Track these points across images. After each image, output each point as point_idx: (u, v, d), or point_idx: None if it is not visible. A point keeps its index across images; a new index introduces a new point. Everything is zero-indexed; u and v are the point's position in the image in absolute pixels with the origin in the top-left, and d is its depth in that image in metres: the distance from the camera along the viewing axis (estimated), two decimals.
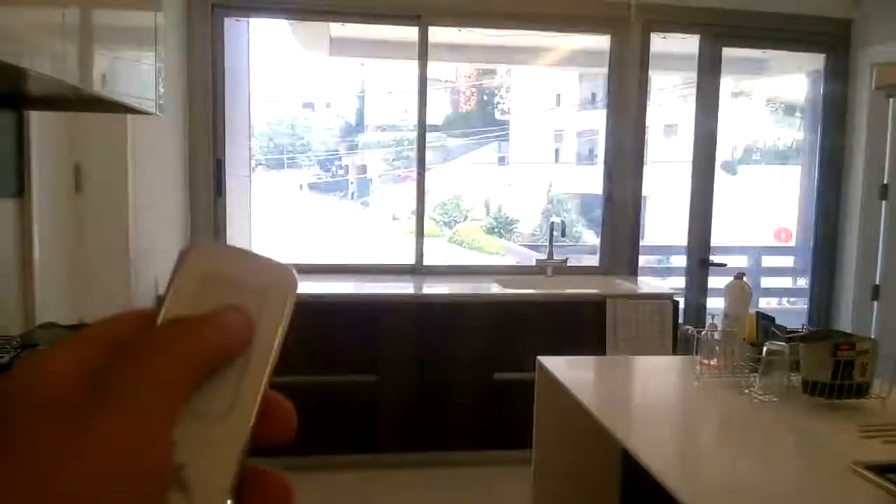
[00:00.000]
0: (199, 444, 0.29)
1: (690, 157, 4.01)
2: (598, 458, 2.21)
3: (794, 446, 1.66)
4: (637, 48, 3.89)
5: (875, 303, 4.00)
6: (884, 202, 3.96)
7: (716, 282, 4.05)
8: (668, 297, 3.45)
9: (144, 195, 2.90)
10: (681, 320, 3.58)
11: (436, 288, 3.59)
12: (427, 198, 3.88)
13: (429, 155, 3.89)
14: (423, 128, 3.81)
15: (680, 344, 3.53)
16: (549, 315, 3.37)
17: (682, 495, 1.32)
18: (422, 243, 3.86)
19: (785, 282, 5.24)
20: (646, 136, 3.97)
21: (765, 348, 1.78)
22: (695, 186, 4.02)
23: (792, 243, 4.61)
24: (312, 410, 3.20)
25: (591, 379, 2.20)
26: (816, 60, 4.12)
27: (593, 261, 4.02)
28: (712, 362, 1.97)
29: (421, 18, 3.76)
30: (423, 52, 3.78)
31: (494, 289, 3.51)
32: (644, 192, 4.00)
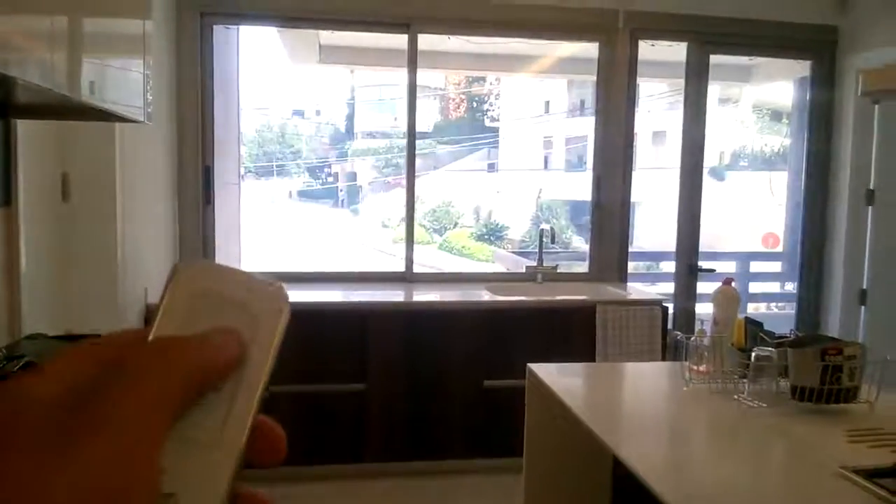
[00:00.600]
0: (189, 472, 0.28)
1: (678, 164, 4.03)
2: (588, 465, 2.21)
3: (783, 451, 1.67)
4: (625, 55, 3.92)
5: (862, 307, 4.03)
6: (870, 207, 4.00)
7: (705, 287, 4.07)
8: (658, 303, 3.46)
9: (132, 204, 2.89)
10: (670, 326, 3.60)
11: (425, 295, 3.59)
12: (417, 205, 3.88)
13: (419, 162, 3.89)
14: (412, 135, 3.82)
15: (669, 349, 3.55)
16: (540, 322, 3.37)
17: (671, 501, 1.32)
18: (411, 251, 3.86)
19: (773, 287, 5.28)
20: (634, 143, 3.99)
21: (753, 354, 1.79)
22: (683, 192, 4.04)
23: (780, 248, 4.65)
24: (301, 420, 3.19)
25: (581, 386, 2.20)
26: (803, 67, 4.16)
27: (583, 267, 4.03)
28: (701, 368, 1.97)
29: (410, 26, 3.77)
30: (412, 59, 3.79)
31: (484, 296, 3.51)
32: (633, 199, 4.02)
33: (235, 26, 3.71)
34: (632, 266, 4.04)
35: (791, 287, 4.33)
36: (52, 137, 2.55)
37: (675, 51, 4.01)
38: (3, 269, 2.15)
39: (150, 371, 0.28)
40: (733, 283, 2.08)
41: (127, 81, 1.76)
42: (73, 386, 0.27)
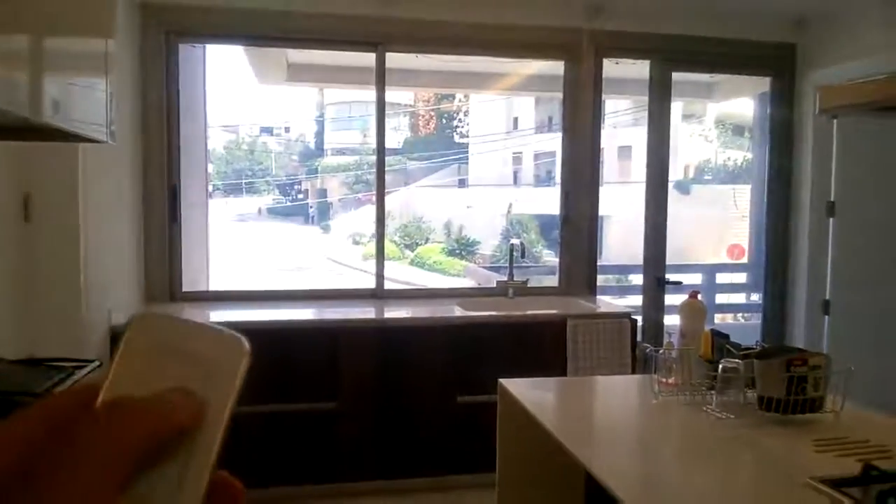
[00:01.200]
0: None
1: (644, 178, 4.09)
2: (561, 479, 2.22)
3: (752, 462, 1.69)
4: (590, 73, 3.97)
5: (826, 317, 4.11)
6: (831, 219, 4.09)
7: (672, 299, 4.12)
8: (626, 316, 3.49)
9: (97, 225, 2.84)
10: (639, 338, 3.63)
11: (397, 312, 3.58)
12: (388, 221, 3.87)
13: (389, 178, 3.89)
14: (381, 152, 3.82)
15: (639, 362, 3.58)
16: (512, 336, 3.38)
17: None
18: (382, 267, 3.85)
19: (739, 298, 5.37)
20: (601, 158, 4.04)
21: (720, 366, 1.81)
22: (649, 206, 4.10)
23: (745, 260, 4.73)
24: (270, 440, 3.15)
25: (552, 400, 2.21)
26: (763, 83, 4.26)
27: (553, 281, 4.05)
28: (670, 380, 1.99)
29: (379, 45, 3.78)
30: (380, 77, 3.80)
31: (456, 311, 3.51)
32: (601, 213, 4.06)
33: (201, 45, 3.68)
34: (601, 279, 4.07)
35: (756, 298, 4.40)
36: (13, 158, 2.50)
37: (639, 69, 4.08)
38: None
39: (99, 440, 0.27)
40: (699, 296, 2.11)
41: (90, 101, 1.74)
42: (23, 448, 0.27)
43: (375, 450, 3.30)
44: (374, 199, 3.82)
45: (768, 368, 1.74)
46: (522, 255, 3.82)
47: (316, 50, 3.73)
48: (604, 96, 4.02)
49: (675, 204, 4.17)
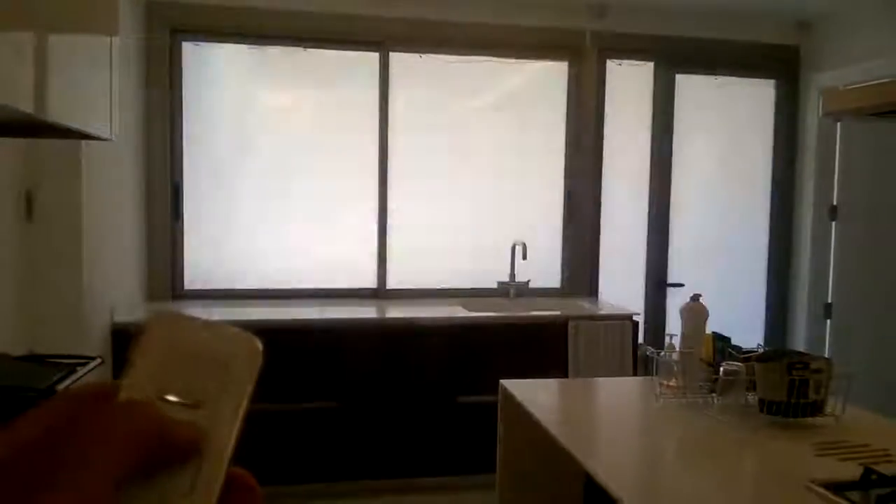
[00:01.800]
0: None
1: (648, 179, 4.09)
2: (561, 480, 2.21)
3: (753, 465, 1.68)
4: (593, 75, 3.97)
5: (828, 321, 4.11)
6: (833, 223, 4.09)
7: (674, 301, 4.12)
8: (628, 318, 3.49)
9: (99, 222, 2.85)
10: (641, 340, 3.63)
11: (398, 311, 3.58)
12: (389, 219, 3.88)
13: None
14: (384, 151, 3.82)
15: (640, 363, 3.58)
16: (513, 337, 3.38)
17: None
18: (384, 266, 3.85)
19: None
20: (603, 159, 4.04)
21: (721, 369, 1.81)
22: (652, 208, 4.10)
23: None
24: (272, 439, 3.15)
25: (553, 402, 2.21)
26: (767, 86, 4.25)
27: (555, 282, 4.05)
28: (671, 383, 1.99)
29: (382, 45, 3.79)
30: (384, 77, 3.80)
31: (458, 312, 3.51)
32: (603, 215, 4.06)
33: (206, 43, 3.68)
34: (603, 280, 4.07)
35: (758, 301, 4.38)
36: (15, 155, 2.50)
37: (643, 71, 4.07)
38: None
39: (109, 433, 0.28)
40: (701, 299, 2.11)
41: (94, 99, 1.74)
42: (41, 439, 0.28)
43: (376, 449, 3.30)
44: (377, 198, 3.82)
45: (769, 372, 1.74)
46: (524, 257, 3.81)
47: (319, 49, 3.73)
48: (606, 98, 4.01)
49: (678, 207, 4.17)
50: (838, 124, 4.06)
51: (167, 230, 3.65)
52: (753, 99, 4.26)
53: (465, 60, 3.88)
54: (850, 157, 4.04)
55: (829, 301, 4.10)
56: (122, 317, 3.07)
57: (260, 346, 0.32)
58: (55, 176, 2.63)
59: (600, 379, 2.70)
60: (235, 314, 3.30)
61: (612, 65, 4.01)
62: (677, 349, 2.05)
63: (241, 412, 0.31)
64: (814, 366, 1.74)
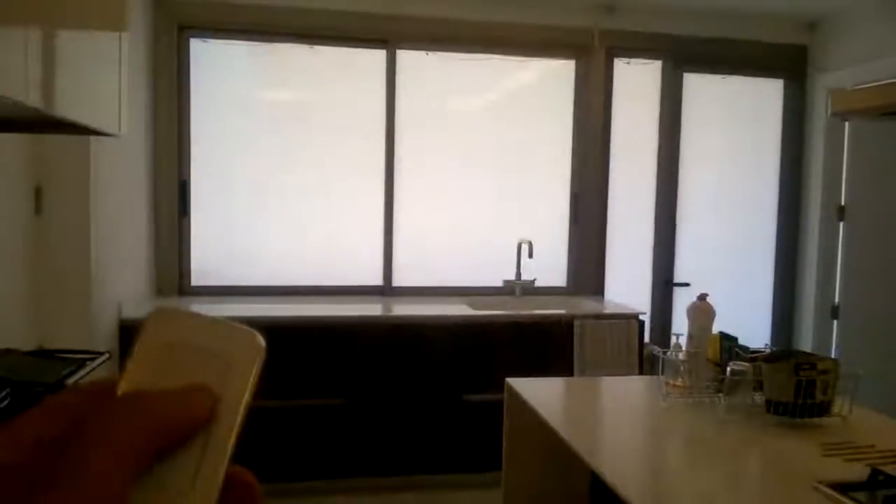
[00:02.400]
0: None
1: (655, 178, 4.08)
2: (567, 479, 2.22)
3: (760, 465, 1.68)
4: (601, 73, 3.96)
5: (835, 321, 4.09)
6: (841, 223, 4.07)
7: (681, 301, 4.11)
8: (634, 317, 3.48)
9: (107, 218, 2.86)
10: (647, 339, 3.62)
11: (404, 309, 3.58)
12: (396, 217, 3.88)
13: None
14: (391, 153, 3.82)
15: (646, 363, 3.58)
16: (519, 335, 3.38)
17: None
18: (390, 264, 3.86)
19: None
20: (610, 158, 4.03)
21: (728, 368, 1.81)
22: (659, 208, 4.09)
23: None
24: (277, 435, 3.16)
25: (560, 401, 2.21)
26: (775, 85, 4.24)
27: (561, 280, 4.04)
28: (678, 382, 1.99)
29: (388, 43, 3.79)
30: (391, 75, 3.80)
31: (463, 310, 3.51)
32: (610, 214, 4.06)
33: (213, 40, 3.69)
34: (608, 279, 4.07)
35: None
36: (25, 150, 2.51)
37: (651, 69, 4.06)
38: None
39: (115, 427, 0.27)
40: (708, 298, 2.11)
41: (103, 94, 1.74)
42: (44, 437, 0.28)
43: (381, 446, 3.31)
44: (383, 195, 3.83)
45: (777, 372, 1.74)
46: (530, 255, 3.81)
47: (325, 47, 3.73)
48: (614, 97, 4.01)
49: (684, 206, 4.16)
50: (846, 124, 4.04)
51: (174, 226, 3.66)
52: (761, 98, 4.24)
53: (472, 58, 3.88)
54: (858, 157, 4.03)
55: (836, 302, 4.09)
56: (130, 313, 3.08)
57: (262, 342, 0.32)
58: (64, 171, 2.64)
59: (606, 378, 2.69)
60: (242, 311, 3.31)
61: (619, 63, 4.00)
62: (684, 349, 2.05)
63: (243, 409, 0.31)
64: (821, 366, 1.74)
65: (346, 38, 3.77)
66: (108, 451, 0.27)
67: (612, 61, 3.98)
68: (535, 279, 3.94)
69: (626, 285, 4.06)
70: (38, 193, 2.59)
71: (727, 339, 1.95)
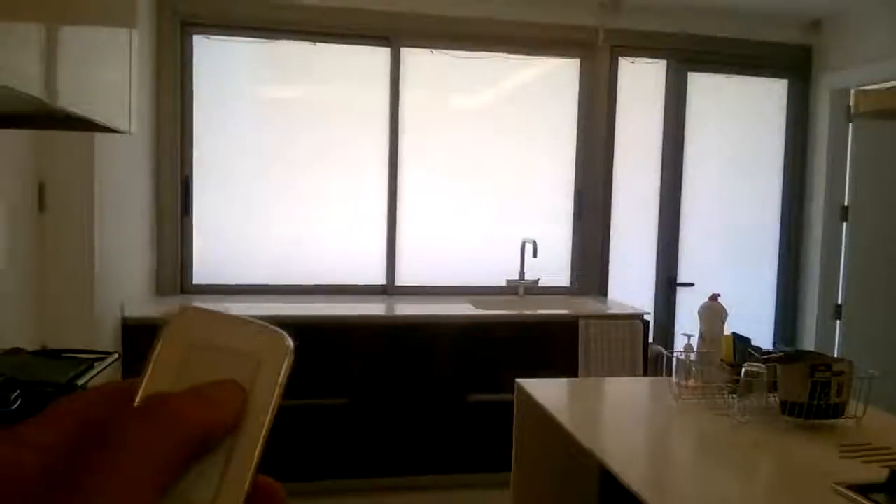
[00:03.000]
0: None
1: (658, 178, 4.07)
2: (577, 480, 2.20)
3: (776, 467, 1.67)
4: (605, 72, 3.95)
5: (837, 322, 4.09)
6: (844, 224, 4.07)
7: (684, 300, 4.10)
8: (639, 317, 3.47)
9: (110, 215, 2.83)
10: (651, 339, 3.61)
11: (408, 309, 3.56)
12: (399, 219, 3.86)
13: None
14: (395, 154, 3.80)
15: (651, 363, 3.57)
16: (523, 336, 3.37)
17: None
18: (393, 263, 3.84)
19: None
20: (614, 157, 4.02)
21: (743, 370, 1.80)
22: (663, 207, 4.08)
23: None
24: (280, 436, 3.13)
25: (571, 401, 2.20)
26: (779, 85, 4.23)
27: (564, 280, 4.03)
28: (689, 383, 1.98)
29: (391, 40, 3.77)
30: (394, 73, 3.78)
31: (467, 310, 3.49)
32: (614, 213, 4.05)
33: (215, 37, 3.67)
34: (612, 279, 4.06)
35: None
36: (28, 146, 2.48)
37: (655, 69, 4.05)
38: None
39: (136, 440, 0.25)
40: (720, 299, 2.10)
41: (112, 91, 1.72)
42: (53, 449, 0.25)
43: (385, 446, 3.29)
44: (386, 194, 3.81)
45: (792, 373, 1.72)
46: (534, 255, 3.80)
47: (328, 44, 3.71)
48: (619, 97, 4.00)
49: (688, 204, 4.15)
50: (850, 124, 4.04)
51: (176, 224, 3.64)
52: (765, 98, 4.24)
53: (476, 56, 3.86)
54: (862, 157, 4.03)
55: (839, 302, 4.08)
56: (132, 312, 3.06)
57: (290, 342, 0.31)
58: (68, 168, 2.61)
59: (617, 378, 2.68)
60: (244, 310, 3.29)
61: (624, 62, 3.99)
62: (695, 349, 2.03)
63: (271, 413, 0.30)
64: (836, 367, 1.73)
65: (350, 36, 3.75)
66: (137, 459, 0.25)
67: (617, 60, 3.97)
68: (538, 279, 3.92)
69: (630, 285, 4.05)
70: (41, 190, 2.56)
71: (740, 340, 1.94)
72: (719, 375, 1.91)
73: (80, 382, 1.60)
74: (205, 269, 3.70)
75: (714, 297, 2.09)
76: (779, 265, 4.25)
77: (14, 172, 2.40)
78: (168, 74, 3.56)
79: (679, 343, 4.01)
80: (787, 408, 1.74)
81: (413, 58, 3.82)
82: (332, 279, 3.78)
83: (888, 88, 2.03)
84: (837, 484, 1.42)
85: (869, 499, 1.36)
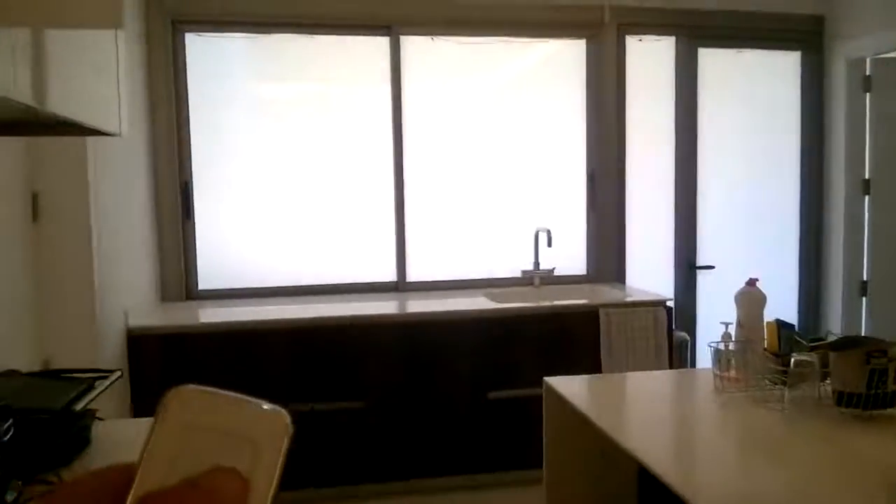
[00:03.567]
0: None
1: (673, 158, 3.94)
2: (613, 479, 2.09)
3: (833, 462, 1.55)
4: (613, 52, 3.81)
5: (863, 299, 3.96)
6: (867, 197, 3.94)
7: (704, 284, 3.98)
8: (662, 304, 3.35)
9: (109, 222, 2.72)
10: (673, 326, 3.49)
11: (421, 305, 3.44)
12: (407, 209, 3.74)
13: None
14: (399, 144, 3.67)
15: (676, 351, 3.45)
16: (542, 328, 3.25)
17: None
18: (403, 258, 3.72)
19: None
20: (626, 139, 3.89)
21: (793, 359, 1.67)
22: (679, 187, 3.95)
23: None
24: (296, 442, 3.02)
25: (603, 398, 2.07)
26: (792, 58, 4.09)
27: (580, 269, 3.91)
28: (731, 374, 1.86)
29: (391, 29, 3.64)
30: (395, 62, 3.65)
31: (482, 303, 3.37)
32: (628, 197, 3.92)
33: (208, 34, 3.54)
34: (629, 265, 3.93)
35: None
36: (19, 154, 2.37)
37: (664, 46, 3.91)
38: None
39: None
40: (758, 283, 1.97)
41: (100, 93, 1.60)
42: None
43: (404, 449, 3.18)
44: (393, 188, 3.68)
45: (846, 361, 1.60)
46: (549, 244, 3.67)
47: (325, 36, 3.58)
48: (628, 76, 3.86)
49: (704, 186, 4.02)
50: (867, 94, 3.90)
51: (178, 230, 3.52)
52: (779, 72, 4.10)
53: (479, 41, 3.73)
54: (882, 128, 3.89)
55: (865, 278, 3.95)
56: (137, 321, 2.95)
57: (289, 419, 0.31)
58: (61, 176, 2.50)
59: (650, 373, 2.56)
60: (252, 314, 3.18)
61: (631, 41, 3.85)
62: (733, 338, 1.91)
63: (273, 491, 0.29)
64: (892, 353, 1.61)
65: (347, 26, 3.62)
66: None
67: (624, 39, 3.83)
68: (553, 268, 3.80)
69: (648, 270, 3.93)
70: (34, 199, 2.45)
71: (785, 328, 1.82)
72: (764, 366, 1.79)
73: (79, 406, 1.48)
74: (211, 274, 3.59)
75: (752, 282, 1.97)
76: (800, 243, 4.12)
77: (5, 182, 2.28)
78: (161, 75, 3.44)
79: (704, 329, 3.90)
80: (845, 399, 1.62)
81: (414, 46, 3.69)
82: (342, 278, 3.67)
83: None
84: None
85: None
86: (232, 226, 3.61)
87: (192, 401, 0.30)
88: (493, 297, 3.47)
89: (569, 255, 3.86)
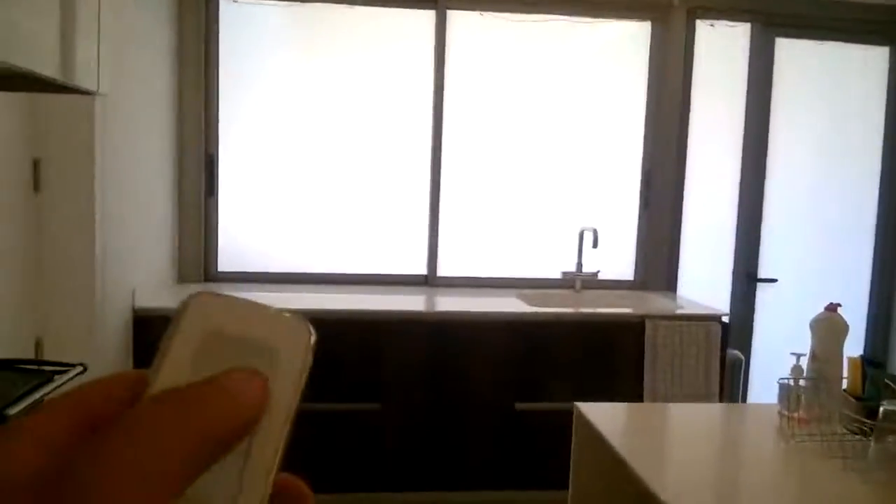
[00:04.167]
0: None
1: (740, 159, 3.58)
2: None
3: None
4: (681, 37, 3.47)
5: None
6: None
7: (764, 299, 3.63)
8: (716, 319, 3.02)
9: (117, 194, 2.53)
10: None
11: (449, 304, 3.19)
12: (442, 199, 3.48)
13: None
14: (439, 127, 3.42)
15: (727, 371, 3.12)
16: (579, 337, 2.96)
17: None
18: (435, 251, 3.47)
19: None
20: (688, 135, 3.55)
21: (882, 408, 1.36)
22: (743, 191, 3.60)
23: None
24: (306, 442, 2.81)
25: (642, 434, 1.78)
26: (880, 53, 3.68)
27: (627, 274, 3.59)
28: (800, 415, 1.55)
29: (438, 2, 3.37)
30: (440, 39, 3.39)
31: (516, 306, 3.09)
32: (686, 198, 3.59)
33: (243, 1, 3.33)
34: (681, 272, 3.60)
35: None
36: (20, 119, 2.19)
37: (737, 33, 3.55)
38: None
39: (149, 434, 0.23)
40: (839, 310, 1.65)
41: (72, 46, 1.39)
42: (51, 453, 0.23)
43: (423, 458, 2.94)
44: (429, 174, 3.43)
45: None
46: (594, 245, 3.37)
47: (369, 7, 3.34)
48: (695, 66, 3.52)
49: (773, 188, 3.65)
50: None
51: (200, 207, 3.34)
52: (864, 68, 3.69)
53: (532, 20, 3.43)
54: None
55: None
56: (146, 301, 2.77)
57: (313, 331, 0.29)
58: (66, 142, 2.32)
59: (700, 405, 2.25)
60: (271, 300, 2.96)
61: (702, 26, 3.50)
62: (804, 372, 1.60)
63: (293, 405, 0.27)
64: None
65: None
66: (150, 455, 0.22)
67: (694, 23, 3.49)
68: (598, 271, 3.49)
69: (702, 280, 3.59)
70: (36, 167, 2.27)
71: (871, 366, 1.50)
72: (842, 411, 1.48)
73: (26, 404, 1.27)
74: (231, 255, 3.40)
75: (832, 307, 1.65)
76: (873, 259, 3.72)
77: (4, 149, 2.11)
78: (192, 40, 3.25)
79: (761, 349, 3.55)
80: None
81: (461, 21, 3.41)
82: (369, 268, 3.44)
83: None
84: None
85: None
86: (257, 206, 3.41)
87: (210, 307, 0.28)
88: (528, 299, 3.19)
89: (615, 258, 3.54)
